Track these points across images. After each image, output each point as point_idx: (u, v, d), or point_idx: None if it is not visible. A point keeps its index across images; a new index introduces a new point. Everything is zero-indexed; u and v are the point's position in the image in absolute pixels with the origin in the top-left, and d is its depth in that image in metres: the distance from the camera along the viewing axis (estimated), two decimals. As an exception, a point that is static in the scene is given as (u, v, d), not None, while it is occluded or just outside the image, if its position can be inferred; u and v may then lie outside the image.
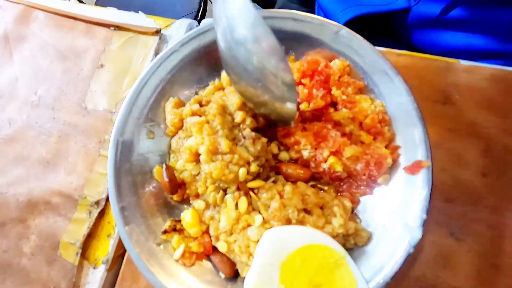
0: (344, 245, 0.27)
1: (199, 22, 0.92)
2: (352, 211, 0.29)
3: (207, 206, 0.30)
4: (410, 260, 0.31)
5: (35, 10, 0.45)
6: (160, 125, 0.33)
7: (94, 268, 0.35)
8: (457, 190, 0.32)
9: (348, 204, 0.29)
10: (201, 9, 0.89)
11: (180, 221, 0.31)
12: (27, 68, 0.43)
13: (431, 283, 0.30)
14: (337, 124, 0.30)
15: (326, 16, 0.55)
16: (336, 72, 0.30)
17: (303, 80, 0.30)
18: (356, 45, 0.30)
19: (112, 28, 0.43)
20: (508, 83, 0.33)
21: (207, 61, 0.33)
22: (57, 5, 0.45)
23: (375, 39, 0.58)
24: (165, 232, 0.30)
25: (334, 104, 0.31)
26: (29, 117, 0.41)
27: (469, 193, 0.31)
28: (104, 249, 0.36)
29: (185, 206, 0.32)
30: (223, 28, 0.23)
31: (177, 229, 0.30)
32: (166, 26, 0.42)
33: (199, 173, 0.30)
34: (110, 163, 0.30)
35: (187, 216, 0.30)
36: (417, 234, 0.25)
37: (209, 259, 0.30)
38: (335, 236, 0.27)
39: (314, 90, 0.29)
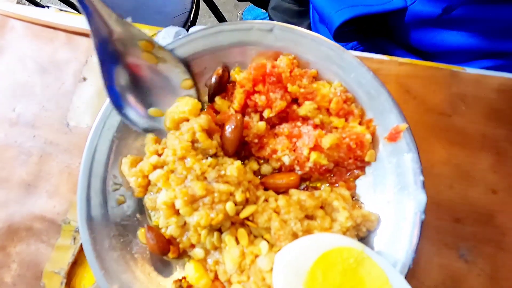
0: (358, 236, 0.26)
1: (190, 25, 0.89)
2: (353, 198, 0.28)
3: (207, 252, 0.28)
4: (417, 285, 0.29)
5: (11, 20, 0.42)
6: (126, 186, 0.30)
7: (81, 299, 0.33)
8: (466, 209, 0.30)
9: (345, 192, 0.28)
10: (193, 10, 0.87)
11: (184, 278, 0.28)
12: (3, 83, 0.40)
13: (440, 310, 0.28)
14: (305, 119, 0.29)
15: (320, 17, 0.53)
16: (286, 68, 0.28)
17: (256, 88, 0.29)
18: (293, 36, 0.29)
19: (94, 38, 0.40)
20: (518, 93, 0.31)
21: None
22: (35, 14, 0.42)
23: (371, 39, 0.57)
24: None
25: (295, 101, 0.30)
26: (7, 135, 0.39)
27: (479, 212, 0.30)
28: (91, 277, 0.33)
29: (185, 259, 0.29)
30: None
31: None
32: (153, 35, 0.39)
33: (185, 223, 0.28)
34: (87, 249, 0.27)
35: (190, 271, 0.28)
36: (422, 197, 0.24)
37: None
38: (345, 232, 0.25)
39: (271, 94, 0.28)
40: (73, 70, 0.40)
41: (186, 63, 0.31)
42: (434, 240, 0.30)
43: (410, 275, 0.28)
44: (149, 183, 0.29)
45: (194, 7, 0.86)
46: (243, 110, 0.30)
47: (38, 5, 1.08)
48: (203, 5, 0.92)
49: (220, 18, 1.03)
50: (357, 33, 0.56)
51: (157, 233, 0.28)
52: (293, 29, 0.28)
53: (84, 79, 0.39)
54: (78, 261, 0.34)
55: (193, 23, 0.86)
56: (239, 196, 0.25)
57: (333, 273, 0.22)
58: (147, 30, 0.40)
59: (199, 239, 0.27)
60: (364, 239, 0.27)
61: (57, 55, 0.40)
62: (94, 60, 0.40)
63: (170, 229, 0.28)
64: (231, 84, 0.31)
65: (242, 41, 0.30)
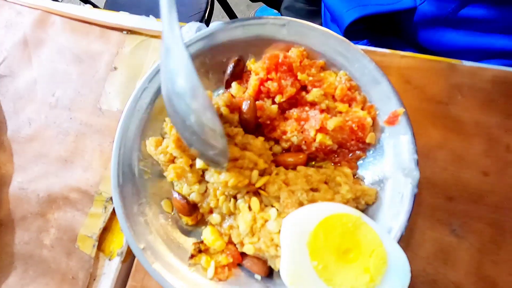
0: (357, 208, 0.29)
1: (207, 24, 0.93)
2: (354, 176, 0.32)
3: (223, 217, 0.32)
4: (411, 255, 0.32)
5: (52, 15, 0.47)
6: (151, 161, 0.34)
7: (110, 260, 0.37)
8: (459, 189, 0.33)
9: (347, 170, 0.31)
10: (207, 9, 0.91)
11: (202, 242, 0.32)
12: (45, 71, 0.46)
13: (432, 278, 0.31)
14: (312, 104, 0.32)
15: (332, 16, 0.56)
16: (296, 59, 0.32)
17: (269, 76, 0.32)
18: (304, 30, 0.32)
19: (125, 32, 0.45)
20: (510, 85, 0.34)
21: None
22: (73, 10, 0.47)
23: (381, 38, 0.59)
24: (192, 256, 0.31)
25: (304, 88, 0.33)
26: (47, 117, 0.44)
27: (470, 192, 0.32)
28: (119, 242, 0.38)
29: (202, 228, 0.33)
30: (165, 78, 0.25)
31: (202, 250, 0.32)
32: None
33: (206, 190, 0.32)
34: (118, 210, 0.31)
35: (207, 234, 0.32)
36: (416, 174, 0.27)
37: (241, 267, 0.32)
38: (346, 203, 0.29)
39: (283, 81, 0.32)
40: (106, 60, 0.44)
41: (206, 54, 0.35)
42: (428, 216, 0.32)
43: (405, 247, 0.31)
44: (174, 158, 0.32)
45: (209, 7, 0.91)
46: (257, 96, 0.33)
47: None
48: (217, 5, 0.97)
49: (233, 18, 1.07)
50: (367, 31, 0.58)
51: (184, 196, 0.32)
52: (303, 24, 0.32)
53: (115, 68, 0.44)
54: (108, 227, 0.38)
55: (207, 22, 0.90)
56: (261, 164, 0.29)
57: (333, 234, 0.26)
58: (171, 25, 0.44)
59: (217, 204, 0.31)
60: (363, 212, 0.30)
61: (92, 47, 0.45)
62: (125, 52, 0.44)
63: (192, 195, 0.32)
64: (246, 73, 0.35)
65: (258, 35, 0.33)
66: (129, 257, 0.38)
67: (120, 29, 0.45)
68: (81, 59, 0.45)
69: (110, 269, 0.37)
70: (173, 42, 0.25)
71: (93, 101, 0.43)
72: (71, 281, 0.37)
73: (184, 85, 0.24)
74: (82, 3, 1.21)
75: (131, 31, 0.44)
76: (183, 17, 0.93)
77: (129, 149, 0.34)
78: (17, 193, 0.41)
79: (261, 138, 0.31)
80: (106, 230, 0.38)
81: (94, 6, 1.21)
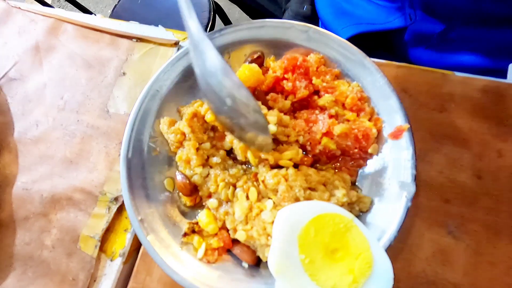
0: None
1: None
2: (353, 184, 0.32)
3: (220, 203, 0.33)
4: (410, 257, 0.33)
5: (65, 23, 0.49)
6: (161, 140, 0.36)
7: (111, 260, 0.37)
8: (454, 191, 0.34)
9: (346, 176, 0.32)
10: (209, 25, 0.95)
11: (197, 223, 0.33)
12: (55, 75, 0.47)
13: (431, 279, 0.32)
14: (323, 109, 0.34)
15: None
16: (314, 64, 0.34)
17: (286, 75, 0.34)
18: (325, 40, 0.34)
19: (134, 40, 0.47)
20: (500, 93, 0.36)
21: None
22: (85, 19, 0.49)
23: (374, 54, 0.62)
24: (185, 234, 0.32)
25: (316, 92, 0.35)
26: (55, 120, 0.45)
27: (465, 194, 0.34)
28: (121, 242, 0.38)
29: (198, 211, 0.34)
30: (198, 64, 0.27)
31: (196, 230, 0.33)
32: (184, 39, 0.46)
33: (208, 174, 0.33)
34: (123, 180, 0.33)
35: (202, 216, 0.33)
36: (412, 188, 0.28)
37: (230, 254, 0.32)
38: (341, 206, 0.29)
39: (297, 82, 0.34)
40: (115, 66, 0.46)
41: (230, 47, 0.37)
42: (426, 218, 0.33)
43: (404, 248, 0.32)
44: (184, 139, 0.34)
45: (210, 22, 0.95)
46: (270, 91, 0.35)
47: (46, 4, 1.21)
48: (218, 21, 1.00)
49: None
50: (362, 48, 0.61)
51: (186, 176, 0.33)
52: (324, 33, 0.34)
53: (124, 73, 0.46)
54: (111, 228, 0.39)
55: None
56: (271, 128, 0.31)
57: (324, 232, 0.26)
58: (179, 34, 0.46)
59: (216, 189, 0.32)
60: (357, 217, 0.30)
61: (102, 53, 0.47)
62: (134, 58, 0.46)
63: (194, 177, 0.33)
64: (264, 68, 0.36)
65: (280, 37, 0.35)
66: (130, 258, 0.38)
67: (130, 37, 0.47)
68: (90, 65, 0.47)
69: (112, 270, 0.37)
70: (199, 37, 0.27)
71: (101, 105, 0.44)
72: (70, 282, 0.37)
73: (216, 64, 0.26)
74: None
75: (140, 39, 0.47)
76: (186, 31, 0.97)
77: (142, 126, 0.35)
78: (20, 194, 0.42)
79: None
80: (108, 231, 0.39)
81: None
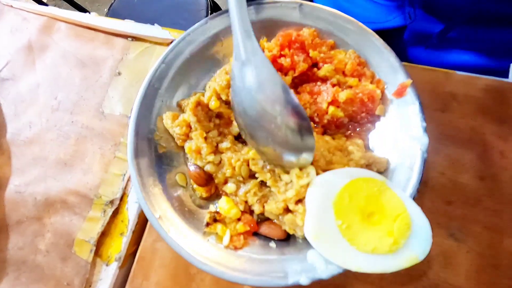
0: None
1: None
2: (366, 148, 0.32)
3: (238, 186, 0.32)
4: (412, 260, 0.32)
5: (58, 22, 0.48)
6: (165, 137, 0.35)
7: (107, 265, 0.36)
8: (456, 193, 0.33)
9: (359, 141, 0.32)
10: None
11: (217, 212, 0.33)
12: (48, 75, 0.46)
13: (433, 282, 0.31)
14: (324, 80, 0.34)
15: None
16: (308, 37, 0.34)
17: (282, 52, 0.34)
18: (317, 12, 0.34)
19: (129, 39, 0.46)
20: (502, 93, 0.35)
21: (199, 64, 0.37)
22: (79, 17, 0.48)
23: None
24: (207, 225, 0.32)
25: (315, 65, 0.35)
26: (48, 120, 0.44)
27: (468, 196, 0.33)
28: (117, 247, 0.37)
29: (215, 202, 0.34)
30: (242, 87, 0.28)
31: (217, 219, 0.32)
32: (180, 38, 0.45)
33: (220, 161, 0.33)
34: (135, 181, 0.32)
35: (222, 203, 0.32)
36: (424, 139, 0.28)
37: (256, 236, 0.32)
38: (360, 167, 0.29)
39: (295, 57, 0.33)
40: (110, 66, 0.45)
41: (222, 33, 0.36)
42: (428, 220, 0.33)
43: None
44: (189, 131, 0.34)
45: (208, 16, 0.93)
46: None
47: (41, 2, 1.20)
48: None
49: None
50: None
51: (200, 166, 0.33)
52: (314, 6, 0.34)
53: (119, 73, 0.45)
54: (106, 231, 0.38)
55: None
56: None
57: (359, 196, 0.26)
58: (175, 33, 0.45)
59: (232, 173, 0.31)
60: None
61: (96, 53, 0.46)
62: (129, 58, 0.45)
63: (207, 167, 0.33)
64: None
65: (271, 17, 0.35)
66: (126, 263, 0.37)
67: (125, 36, 0.46)
68: (85, 64, 0.46)
69: (107, 274, 0.36)
70: (252, 52, 0.28)
71: (95, 105, 0.43)
72: (65, 287, 0.36)
73: (274, 79, 0.27)
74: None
75: (136, 38, 0.46)
76: (183, 30, 0.96)
77: (145, 125, 0.35)
78: (13, 197, 0.41)
79: None
80: (104, 235, 0.38)
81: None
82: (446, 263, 0.32)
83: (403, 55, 0.56)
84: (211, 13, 0.94)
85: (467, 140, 0.35)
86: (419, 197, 0.30)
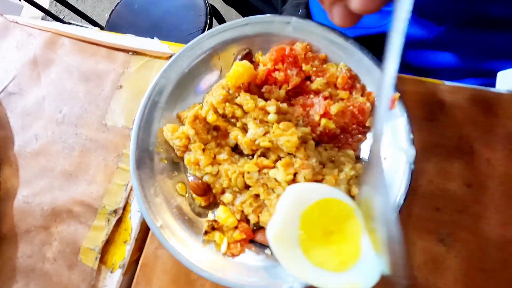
0: (359, 185, 0.31)
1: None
2: (357, 158, 0.34)
3: (234, 196, 0.34)
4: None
5: (62, 37, 0.50)
6: (166, 148, 0.37)
7: (112, 272, 0.38)
8: (445, 200, 0.35)
9: (350, 152, 0.33)
10: (206, 28, 0.95)
11: (215, 220, 0.34)
12: (53, 89, 0.48)
13: (422, 286, 0.32)
14: (316, 93, 0.35)
15: None
16: (301, 52, 0.35)
17: (276, 66, 0.35)
18: (309, 28, 0.36)
19: (130, 53, 0.48)
20: (488, 102, 0.37)
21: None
22: (82, 32, 0.50)
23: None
24: (206, 233, 0.34)
25: (308, 78, 0.36)
26: (54, 133, 0.46)
27: (456, 203, 0.34)
28: (121, 254, 0.39)
29: (214, 210, 0.36)
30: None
31: (215, 227, 0.34)
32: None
33: (218, 172, 0.35)
34: (137, 191, 0.34)
35: (220, 213, 0.34)
36: (412, 151, 0.30)
37: (252, 244, 0.34)
38: (349, 179, 0.31)
39: (288, 71, 0.35)
40: (112, 79, 0.47)
41: (218, 48, 0.38)
42: (417, 226, 0.34)
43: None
44: (189, 143, 0.35)
45: (207, 26, 0.95)
46: (263, 84, 0.36)
47: (45, 11, 1.23)
48: (215, 24, 1.01)
49: None
50: None
51: (197, 177, 0.35)
52: (306, 22, 0.35)
53: (121, 86, 0.46)
54: (110, 240, 0.40)
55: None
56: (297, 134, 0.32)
57: (327, 214, 0.28)
58: (175, 46, 0.47)
59: (229, 184, 0.33)
60: None
61: (99, 67, 0.48)
62: (130, 71, 0.47)
63: (205, 177, 0.35)
64: (254, 63, 0.38)
65: (265, 32, 0.37)
66: (130, 270, 0.39)
67: (126, 50, 0.48)
68: (88, 78, 0.48)
69: (112, 281, 0.38)
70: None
71: (99, 118, 0.45)
72: (72, 294, 0.38)
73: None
74: (89, 25, 1.26)
75: (136, 52, 0.47)
76: (182, 35, 0.98)
77: (146, 136, 0.37)
78: (22, 207, 0.43)
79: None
80: (108, 243, 0.39)
81: (102, 28, 1.27)
82: (435, 267, 0.33)
83: (400, 58, 0.57)
84: (210, 18, 0.96)
85: (455, 148, 0.36)
86: (408, 204, 0.32)
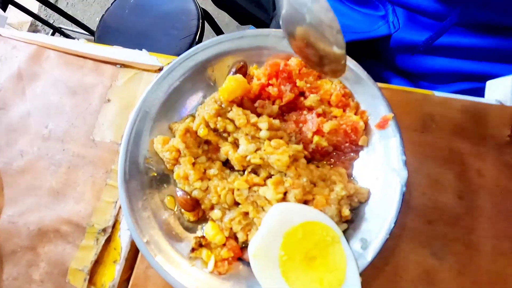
0: (351, 206, 0.31)
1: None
2: (348, 177, 0.33)
3: (223, 213, 0.33)
4: (397, 280, 0.33)
5: (47, 50, 0.49)
6: (156, 160, 0.37)
7: (101, 293, 0.37)
8: (437, 212, 0.35)
9: (342, 170, 0.33)
10: (198, 32, 0.94)
11: (203, 237, 0.34)
12: (38, 103, 0.47)
13: (416, 300, 0.32)
14: (310, 109, 0.35)
15: None
16: (295, 67, 0.35)
17: (270, 81, 0.35)
18: None
19: (118, 65, 0.47)
20: (478, 113, 0.37)
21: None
22: (68, 44, 0.49)
23: (361, 61, 0.63)
24: (193, 250, 0.33)
25: (302, 94, 0.36)
26: (40, 149, 0.44)
27: (448, 215, 0.34)
28: (110, 274, 0.38)
29: (203, 224, 0.35)
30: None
31: (203, 244, 0.33)
32: (168, 63, 0.46)
33: (207, 187, 0.34)
34: (124, 205, 0.33)
35: (208, 229, 0.34)
36: (404, 173, 0.29)
37: (241, 261, 0.33)
38: (340, 200, 0.30)
39: (282, 87, 0.35)
40: (99, 93, 0.46)
41: (213, 60, 0.38)
42: (410, 239, 0.34)
43: (391, 270, 0.33)
44: (179, 156, 0.35)
45: (200, 30, 0.94)
46: (257, 99, 0.36)
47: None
48: (207, 27, 1.00)
49: None
50: (349, 55, 0.62)
51: (186, 192, 0.34)
52: None
53: (109, 100, 0.45)
54: (99, 260, 0.39)
55: (199, 43, 0.94)
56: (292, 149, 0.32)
57: (310, 238, 0.27)
58: (163, 58, 0.46)
59: (218, 200, 0.32)
60: (356, 208, 0.32)
61: (86, 80, 0.47)
62: (118, 84, 0.46)
63: (194, 192, 0.34)
64: (248, 76, 0.37)
65: (260, 45, 0.37)
66: (120, 290, 0.38)
67: (114, 63, 0.47)
68: (75, 92, 0.47)
69: (101, 303, 0.37)
70: None
71: (86, 133, 0.44)
72: (60, 317, 0.37)
73: None
74: (80, 29, 1.24)
75: (124, 65, 0.46)
76: (175, 40, 0.97)
77: (136, 148, 0.36)
78: (7, 227, 0.41)
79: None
80: (97, 263, 0.38)
81: (86, 29, 1.24)
82: (428, 281, 0.33)
83: (391, 63, 0.57)
84: (202, 22, 0.95)
85: (446, 159, 0.36)
86: (401, 217, 0.31)
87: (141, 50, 0.48)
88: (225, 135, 0.35)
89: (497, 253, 0.33)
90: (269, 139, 0.32)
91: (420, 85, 0.57)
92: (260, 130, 0.32)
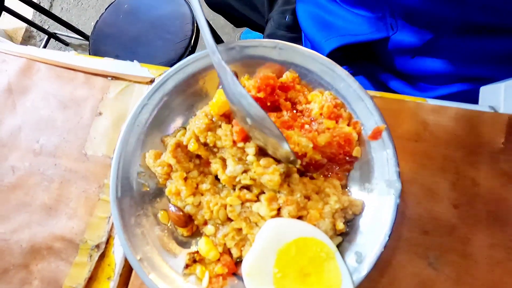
0: (345, 218, 0.31)
1: (191, 50, 0.94)
2: (342, 188, 0.33)
3: (217, 228, 0.33)
4: (394, 291, 0.33)
5: (37, 63, 0.48)
6: (149, 174, 0.36)
7: (96, 311, 0.37)
8: (432, 222, 0.34)
9: (336, 182, 0.33)
10: (193, 36, 0.94)
11: (197, 252, 0.33)
12: (29, 118, 0.46)
13: (413, 312, 0.32)
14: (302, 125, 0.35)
15: (312, 44, 0.60)
16: (290, 81, 0.35)
17: (258, 94, 0.35)
18: (293, 53, 0.35)
19: (109, 78, 0.46)
20: (471, 121, 0.37)
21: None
22: (58, 57, 0.48)
23: (359, 64, 0.62)
24: (187, 266, 0.33)
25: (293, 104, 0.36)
26: (31, 164, 0.44)
27: (443, 225, 0.34)
28: (105, 291, 0.37)
29: (197, 239, 0.35)
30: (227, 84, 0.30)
31: (197, 260, 0.33)
32: (160, 75, 0.45)
33: (200, 203, 0.33)
34: (116, 222, 0.33)
35: (202, 245, 0.33)
36: (397, 185, 0.29)
37: (236, 276, 0.32)
38: (334, 213, 0.30)
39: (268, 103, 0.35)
40: (90, 106, 0.45)
41: (205, 70, 0.37)
42: (406, 250, 0.34)
43: (387, 282, 0.33)
44: (171, 171, 0.34)
45: (195, 33, 0.94)
46: None
47: (27, 21, 1.19)
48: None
49: (219, 41, 1.11)
50: (346, 58, 0.62)
51: (179, 208, 0.34)
52: (293, 46, 0.35)
53: (100, 113, 0.45)
54: (93, 276, 0.38)
55: (194, 47, 0.93)
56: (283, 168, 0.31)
57: (304, 255, 0.27)
58: (155, 70, 0.46)
59: (211, 216, 0.32)
60: (351, 221, 0.32)
61: (76, 93, 0.46)
62: (109, 97, 0.45)
63: (187, 208, 0.33)
64: None
65: (251, 55, 0.36)
66: (115, 307, 0.37)
67: (105, 75, 0.46)
68: (66, 105, 0.46)
69: (96, 321, 0.36)
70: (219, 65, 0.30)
71: (78, 147, 0.44)
72: (55, 336, 0.36)
73: (232, 88, 0.29)
74: (75, 34, 1.23)
75: (115, 77, 0.46)
76: (170, 44, 0.96)
77: (128, 163, 0.35)
78: (-1, 245, 0.41)
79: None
80: (91, 280, 0.38)
81: (81, 34, 1.22)
82: (425, 292, 0.33)
83: (389, 65, 0.57)
84: (197, 26, 0.95)
85: (440, 168, 0.36)
86: (397, 227, 0.31)
87: (133, 61, 0.47)
88: (215, 150, 0.35)
89: (493, 262, 0.32)
90: (258, 156, 0.31)
91: (418, 86, 0.56)
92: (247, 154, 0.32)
